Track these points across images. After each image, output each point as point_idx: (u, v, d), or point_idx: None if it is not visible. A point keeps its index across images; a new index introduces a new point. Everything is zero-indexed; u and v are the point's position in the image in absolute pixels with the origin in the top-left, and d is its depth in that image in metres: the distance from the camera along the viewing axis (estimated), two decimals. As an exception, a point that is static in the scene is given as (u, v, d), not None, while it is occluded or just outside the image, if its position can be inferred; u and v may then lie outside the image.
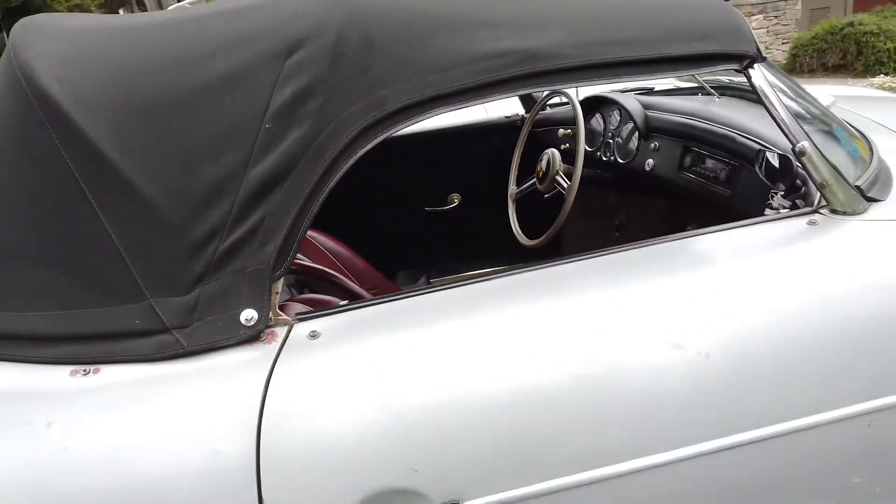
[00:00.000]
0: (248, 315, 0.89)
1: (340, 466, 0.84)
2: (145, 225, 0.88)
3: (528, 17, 1.00)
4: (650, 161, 1.83)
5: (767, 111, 1.10)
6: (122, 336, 0.88)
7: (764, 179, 1.21)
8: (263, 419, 0.83)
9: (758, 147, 1.36)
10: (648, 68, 1.05)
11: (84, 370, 0.86)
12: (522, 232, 1.95)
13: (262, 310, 0.90)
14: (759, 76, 1.09)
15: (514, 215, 2.00)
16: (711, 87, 1.93)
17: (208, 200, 0.89)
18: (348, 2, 0.95)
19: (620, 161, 1.95)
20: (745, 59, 1.09)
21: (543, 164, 1.78)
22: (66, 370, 0.86)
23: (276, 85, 0.90)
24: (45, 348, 0.87)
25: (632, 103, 1.92)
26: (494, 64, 0.95)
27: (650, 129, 1.87)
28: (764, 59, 1.11)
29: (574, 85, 1.18)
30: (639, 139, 1.88)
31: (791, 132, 1.08)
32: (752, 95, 1.20)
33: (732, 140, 1.52)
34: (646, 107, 1.89)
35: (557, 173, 1.74)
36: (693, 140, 1.69)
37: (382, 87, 0.92)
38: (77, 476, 0.80)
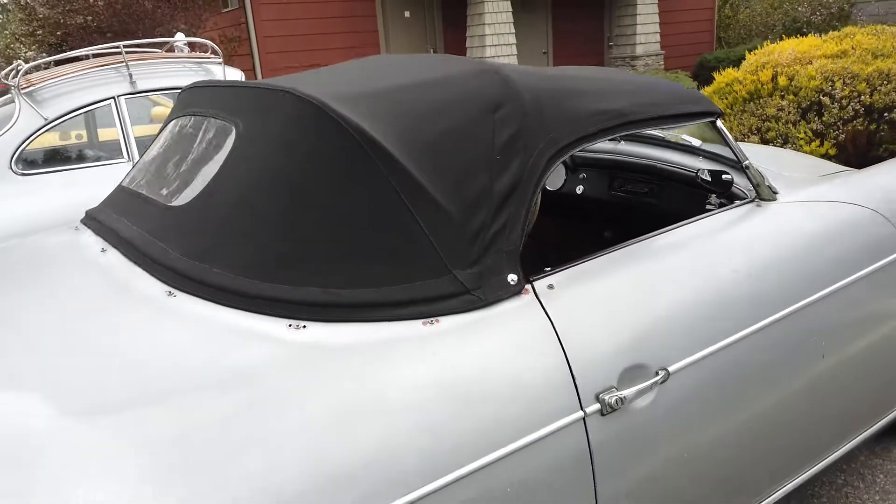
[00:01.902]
0: (512, 278, 1.33)
1: (602, 355, 1.33)
2: (444, 224, 1.30)
3: (606, 89, 1.61)
4: (580, 187, 2.56)
5: (727, 144, 1.85)
6: (443, 298, 1.27)
7: (707, 187, 2.03)
8: (560, 335, 1.30)
9: (686, 171, 2.18)
10: (669, 120, 1.71)
11: (431, 321, 1.25)
12: None
13: (518, 274, 1.34)
14: (720, 126, 1.82)
15: None
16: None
17: (475, 207, 1.33)
18: (509, 77, 1.49)
19: (549, 189, 2.61)
20: (717, 115, 1.80)
21: None
22: (418, 323, 1.25)
23: (494, 132, 1.40)
24: (400, 310, 1.24)
25: None
26: (601, 118, 1.54)
27: (576, 164, 2.58)
28: (723, 115, 1.76)
29: (634, 131, 1.65)
30: (567, 172, 2.59)
31: (740, 155, 1.82)
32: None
33: (652, 167, 2.31)
34: None
35: None
36: (617, 169, 2.43)
37: (552, 132, 1.46)
38: (464, 385, 1.18)
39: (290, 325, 1.21)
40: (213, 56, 4.08)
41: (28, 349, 1.24)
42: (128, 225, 1.60)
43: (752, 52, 5.70)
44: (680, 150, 2.27)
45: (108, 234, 1.66)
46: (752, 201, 1.82)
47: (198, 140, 1.67)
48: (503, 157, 1.39)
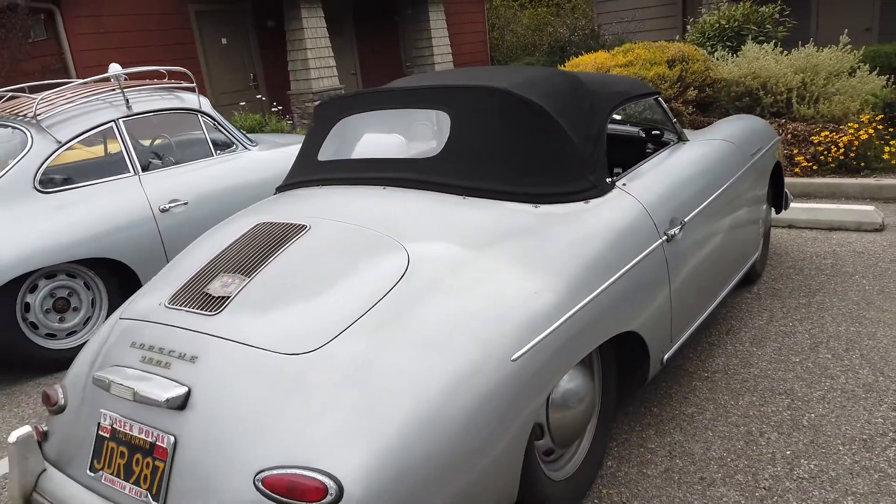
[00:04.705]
0: (609, 179, 2.57)
1: (660, 213, 2.64)
2: (579, 152, 2.46)
3: (613, 81, 3.01)
4: None
5: (664, 111, 3.18)
6: (586, 190, 2.44)
7: (661, 137, 3.51)
8: (642, 203, 2.51)
9: (640, 132, 3.65)
10: (640, 97, 3.09)
11: (586, 201, 2.42)
12: None
13: (609, 177, 2.57)
14: (661, 100, 3.18)
15: None
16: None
17: (586, 142, 2.51)
18: (575, 75, 2.79)
19: None
20: (658, 94, 3.17)
21: None
22: (581, 203, 2.41)
23: (582, 102, 2.65)
24: (574, 196, 2.42)
25: None
26: (618, 95, 2.88)
27: None
28: (660, 94, 3.22)
29: (628, 103, 2.97)
30: None
31: (673, 121, 3.14)
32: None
33: (628, 132, 3.81)
34: None
35: None
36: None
37: (603, 101, 2.76)
38: (609, 230, 2.35)
39: (534, 206, 2.32)
40: (185, 83, 4.67)
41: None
42: (381, 173, 2.52)
43: (561, 65, 7.48)
44: (633, 124, 3.74)
45: (356, 180, 2.56)
46: (679, 142, 3.26)
47: (407, 123, 2.66)
48: (589, 115, 2.61)
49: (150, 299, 2.16)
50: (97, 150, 4.38)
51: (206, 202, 4.40)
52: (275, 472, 1.59)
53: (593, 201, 2.44)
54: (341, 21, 13.12)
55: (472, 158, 2.42)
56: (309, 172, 2.77)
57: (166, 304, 2.06)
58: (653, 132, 3.48)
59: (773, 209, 4.22)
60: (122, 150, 4.18)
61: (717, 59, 7.92)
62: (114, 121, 4.16)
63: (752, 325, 3.51)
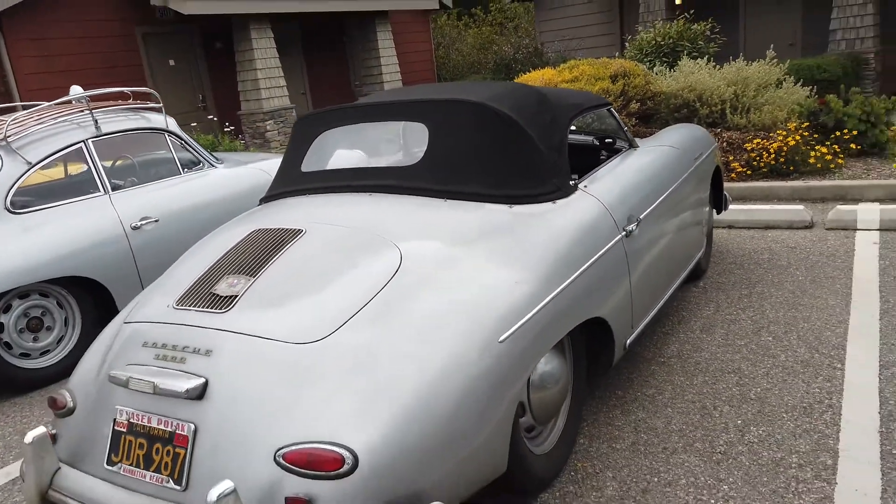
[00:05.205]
0: (572, 182, 2.82)
1: (619, 211, 2.81)
2: (545, 158, 2.70)
3: (569, 94, 3.26)
4: None
5: (616, 120, 3.47)
6: (554, 191, 2.69)
7: (614, 145, 3.87)
8: (602, 203, 2.71)
9: (594, 140, 3.97)
10: (594, 108, 3.39)
11: (554, 202, 2.67)
12: None
13: (572, 180, 2.82)
14: (612, 110, 3.41)
15: None
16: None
17: (551, 149, 2.75)
18: (538, 89, 3.01)
19: None
20: (610, 105, 3.48)
21: None
22: (549, 203, 2.66)
23: (546, 114, 2.90)
24: (543, 197, 2.66)
25: None
26: (575, 107, 3.15)
27: None
28: (612, 105, 3.52)
29: (583, 114, 3.20)
30: None
31: (624, 129, 3.34)
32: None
33: (584, 141, 4.08)
34: None
35: None
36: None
37: (563, 112, 3.02)
38: (574, 227, 2.60)
39: (509, 206, 2.56)
40: (152, 103, 4.76)
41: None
42: (365, 181, 2.71)
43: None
44: (589, 134, 4.05)
45: (342, 188, 2.75)
46: (631, 148, 3.56)
47: (384, 135, 2.87)
48: (552, 125, 2.87)
49: (155, 303, 2.30)
50: (68, 171, 4.42)
51: (177, 219, 4.49)
52: (294, 447, 1.76)
53: (560, 202, 2.69)
54: (290, 42, 13.26)
55: (451, 165, 2.64)
56: (294, 183, 2.94)
57: (174, 305, 2.20)
58: (606, 140, 3.78)
59: (714, 210, 4.58)
60: (91, 170, 4.24)
61: (656, 73, 8.41)
62: (83, 141, 4.23)
63: (701, 314, 3.82)
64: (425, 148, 2.70)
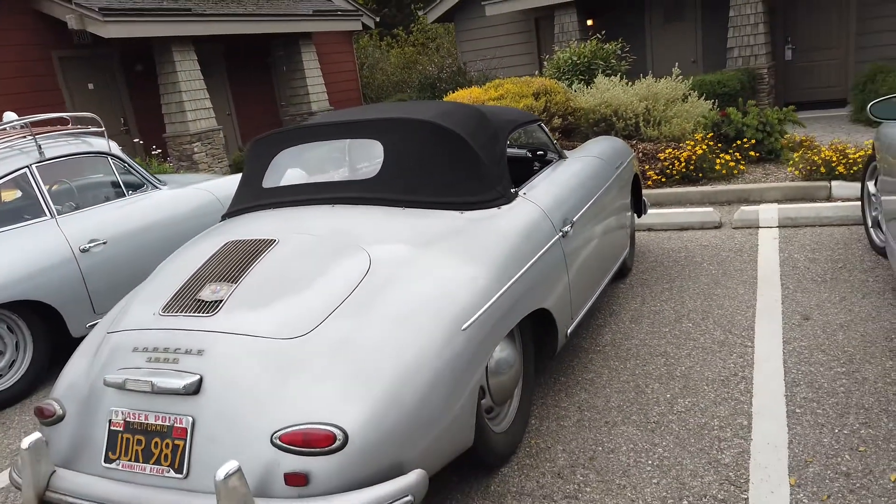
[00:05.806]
0: (513, 190, 3.15)
1: (555, 214, 3.05)
2: (488, 169, 3.01)
3: (503, 111, 3.56)
4: None
5: (546, 135, 3.90)
6: (497, 199, 3.00)
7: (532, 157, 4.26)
8: (541, 208, 3.02)
9: (528, 153, 4.31)
10: (526, 125, 3.79)
11: (499, 207, 2.98)
12: None
13: (513, 188, 3.16)
14: (542, 126, 3.71)
15: None
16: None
17: (493, 161, 3.08)
18: (478, 107, 3.33)
19: None
20: (541, 121, 3.90)
21: None
22: (495, 209, 2.97)
23: (488, 128, 3.23)
24: (489, 203, 2.97)
25: None
26: (511, 122, 3.52)
27: None
28: (543, 121, 4.09)
29: (517, 129, 3.51)
30: None
31: (554, 142, 3.79)
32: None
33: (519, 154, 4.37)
34: None
35: None
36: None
37: (501, 127, 3.36)
38: (517, 229, 2.91)
39: (460, 212, 2.85)
40: (93, 127, 4.81)
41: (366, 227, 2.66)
42: (326, 194, 2.94)
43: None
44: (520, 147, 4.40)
45: (304, 201, 2.96)
46: (560, 159, 3.93)
47: (337, 152, 3.11)
48: (493, 139, 3.19)
49: (139, 312, 2.45)
50: (11, 196, 4.42)
51: (125, 240, 4.56)
52: (290, 429, 1.97)
53: (504, 207, 3.00)
54: (214, 62, 13.22)
55: (407, 177, 2.91)
56: (255, 199, 3.13)
57: (160, 312, 2.37)
58: (538, 152, 4.14)
59: (635, 215, 5.03)
60: (37, 195, 4.27)
61: (575, 90, 8.96)
62: (27, 167, 4.25)
63: (629, 307, 4.22)
64: (381, 162, 2.96)
